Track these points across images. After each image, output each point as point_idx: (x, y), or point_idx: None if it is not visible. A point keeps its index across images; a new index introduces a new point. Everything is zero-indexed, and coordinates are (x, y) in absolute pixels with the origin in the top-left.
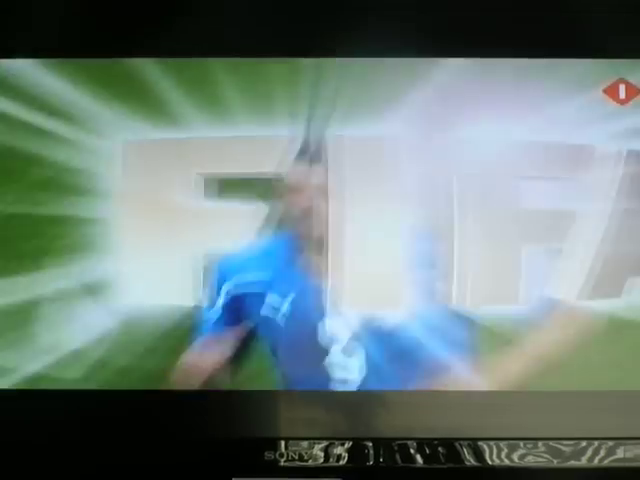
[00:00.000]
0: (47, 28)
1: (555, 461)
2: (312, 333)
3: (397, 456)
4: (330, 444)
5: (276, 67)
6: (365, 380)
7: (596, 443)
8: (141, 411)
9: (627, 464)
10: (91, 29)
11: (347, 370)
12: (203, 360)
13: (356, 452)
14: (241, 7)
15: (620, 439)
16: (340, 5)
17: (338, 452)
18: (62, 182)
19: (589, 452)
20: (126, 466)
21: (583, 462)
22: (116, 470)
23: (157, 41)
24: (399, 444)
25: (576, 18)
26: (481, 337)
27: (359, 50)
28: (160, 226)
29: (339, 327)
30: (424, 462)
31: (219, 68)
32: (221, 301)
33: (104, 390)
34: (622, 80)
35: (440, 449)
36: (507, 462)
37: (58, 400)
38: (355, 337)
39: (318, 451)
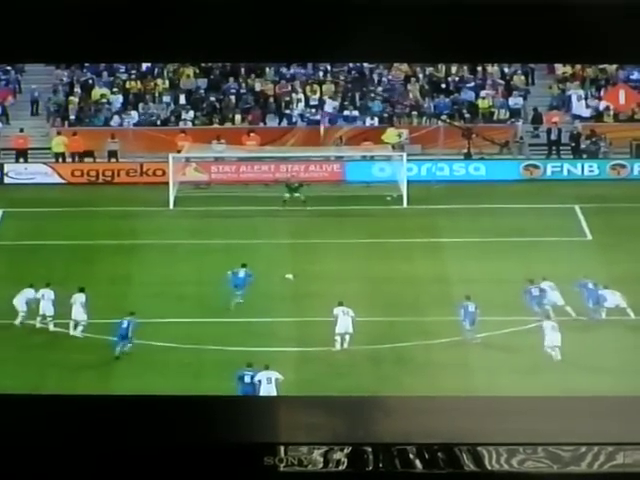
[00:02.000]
0: (49, 35)
1: (555, 466)
2: None
3: (396, 461)
4: (330, 449)
5: None
6: None
7: (596, 448)
8: (141, 417)
9: (627, 469)
10: (91, 35)
11: None
12: None
13: (356, 457)
14: (239, 13)
15: (620, 444)
16: (338, 11)
17: (338, 457)
18: None
19: (589, 457)
20: (126, 471)
21: (583, 467)
22: (116, 476)
23: (157, 45)
24: (398, 449)
25: (571, 24)
26: None
27: (357, 55)
28: None
29: None
30: (423, 467)
31: None
32: None
33: (105, 395)
34: (622, 86)
35: (439, 454)
36: (506, 467)
37: (54, 406)
38: None
39: (318, 456)
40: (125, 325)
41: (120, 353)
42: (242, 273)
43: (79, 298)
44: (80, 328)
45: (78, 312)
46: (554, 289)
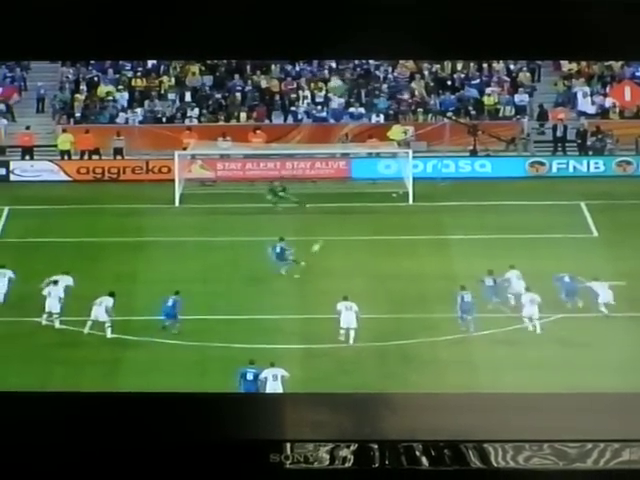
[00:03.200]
0: (54, 32)
1: (561, 463)
2: None
3: (403, 458)
4: (336, 446)
5: None
6: None
7: (602, 445)
8: (148, 414)
9: (633, 466)
10: (96, 32)
11: None
12: None
13: (362, 454)
14: (244, 10)
15: (626, 441)
16: (338, 9)
17: (344, 454)
18: None
19: (595, 454)
20: (130, 469)
21: (589, 464)
22: (124, 473)
23: (162, 43)
24: (405, 446)
25: (577, 20)
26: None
27: (362, 52)
28: None
29: None
30: (430, 464)
31: None
32: None
33: (110, 393)
34: (628, 82)
35: (446, 451)
36: (513, 464)
37: (59, 403)
38: None
39: (324, 453)
40: (171, 304)
41: (169, 329)
42: (279, 248)
43: (106, 301)
44: (109, 329)
45: (100, 314)
46: (520, 278)
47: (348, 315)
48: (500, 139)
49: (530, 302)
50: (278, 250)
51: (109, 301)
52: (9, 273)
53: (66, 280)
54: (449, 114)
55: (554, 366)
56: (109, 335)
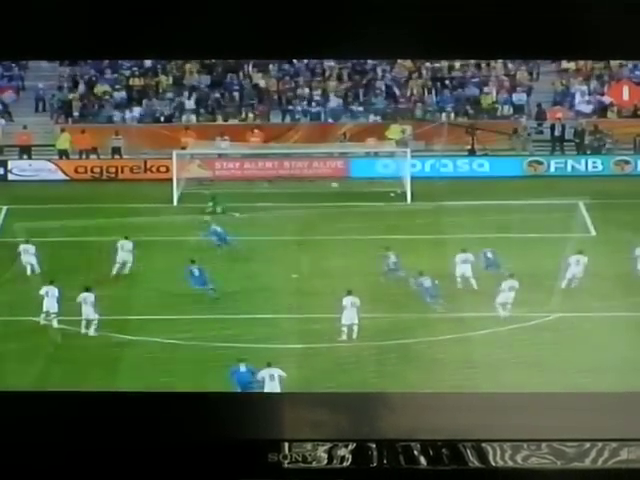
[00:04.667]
0: (51, 32)
1: (559, 462)
2: None
3: (401, 458)
4: (334, 446)
5: None
6: None
7: (600, 444)
8: (145, 414)
9: (631, 465)
10: (91, 32)
11: None
12: None
13: (360, 454)
14: (242, 9)
15: (624, 440)
16: (337, 8)
17: (342, 454)
18: None
19: (593, 453)
20: (127, 468)
21: (587, 463)
22: (120, 472)
23: (160, 42)
24: (403, 446)
25: (576, 19)
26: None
27: (360, 51)
28: None
29: None
30: (428, 464)
31: None
32: None
33: (108, 392)
34: (626, 82)
35: (444, 451)
36: (511, 463)
37: (57, 403)
38: None
39: (322, 453)
40: (197, 273)
41: (209, 296)
42: (220, 229)
43: (88, 297)
44: (93, 327)
45: (89, 311)
46: (466, 262)
47: (350, 312)
48: (502, 132)
49: (509, 289)
50: (220, 230)
51: (90, 297)
52: (32, 249)
53: (127, 245)
54: (448, 111)
55: (552, 365)
56: (92, 333)
